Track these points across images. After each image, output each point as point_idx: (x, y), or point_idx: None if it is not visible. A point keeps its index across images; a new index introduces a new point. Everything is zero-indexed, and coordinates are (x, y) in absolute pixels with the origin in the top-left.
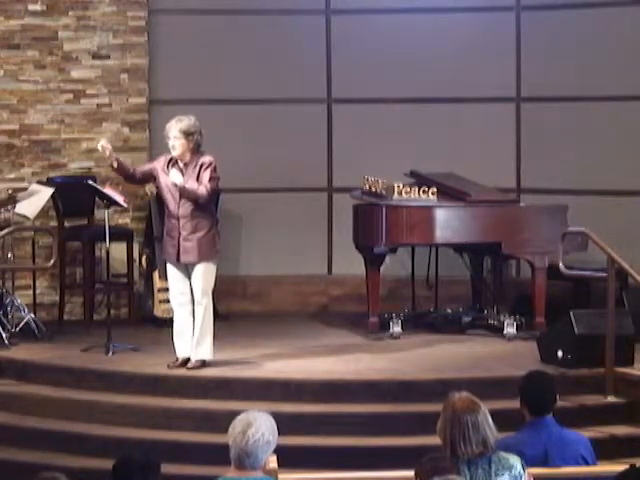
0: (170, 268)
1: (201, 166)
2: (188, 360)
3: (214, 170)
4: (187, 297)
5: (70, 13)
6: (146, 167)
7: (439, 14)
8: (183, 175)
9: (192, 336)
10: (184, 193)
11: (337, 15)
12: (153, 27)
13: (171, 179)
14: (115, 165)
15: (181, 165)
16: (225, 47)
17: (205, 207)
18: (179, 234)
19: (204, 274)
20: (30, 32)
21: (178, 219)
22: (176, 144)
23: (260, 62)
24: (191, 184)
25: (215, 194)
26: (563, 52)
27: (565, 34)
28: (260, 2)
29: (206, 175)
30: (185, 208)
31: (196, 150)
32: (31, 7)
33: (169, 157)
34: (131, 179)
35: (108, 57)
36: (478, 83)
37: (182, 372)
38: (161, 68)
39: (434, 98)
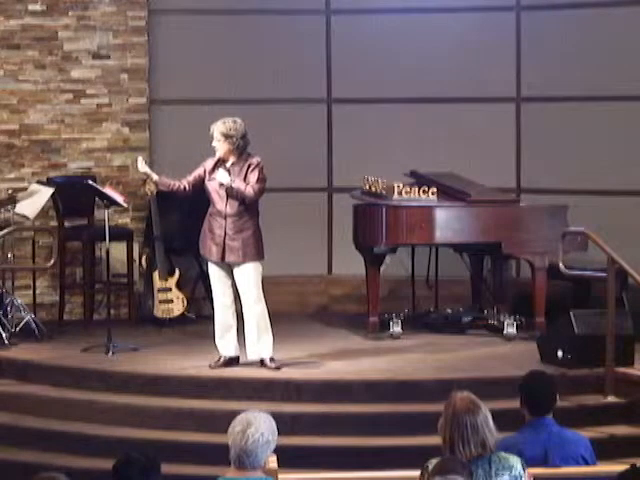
0: (212, 267)
1: (249, 167)
2: (234, 359)
3: (261, 171)
4: (230, 299)
5: (70, 13)
6: (195, 174)
7: (439, 14)
8: (230, 175)
9: (236, 336)
10: (231, 192)
11: (337, 15)
12: (153, 27)
13: (217, 179)
14: (154, 188)
15: (228, 165)
16: (225, 47)
17: (251, 207)
18: (225, 233)
19: (249, 274)
20: (30, 32)
21: (225, 218)
22: (217, 145)
23: (260, 62)
24: (238, 184)
25: (262, 195)
26: (563, 52)
27: (565, 34)
28: (260, 2)
29: (254, 176)
30: (233, 207)
31: (242, 151)
32: (31, 7)
33: (216, 158)
34: (183, 193)
35: (108, 57)
36: (478, 83)
37: (182, 372)
38: (161, 68)
39: (434, 98)
